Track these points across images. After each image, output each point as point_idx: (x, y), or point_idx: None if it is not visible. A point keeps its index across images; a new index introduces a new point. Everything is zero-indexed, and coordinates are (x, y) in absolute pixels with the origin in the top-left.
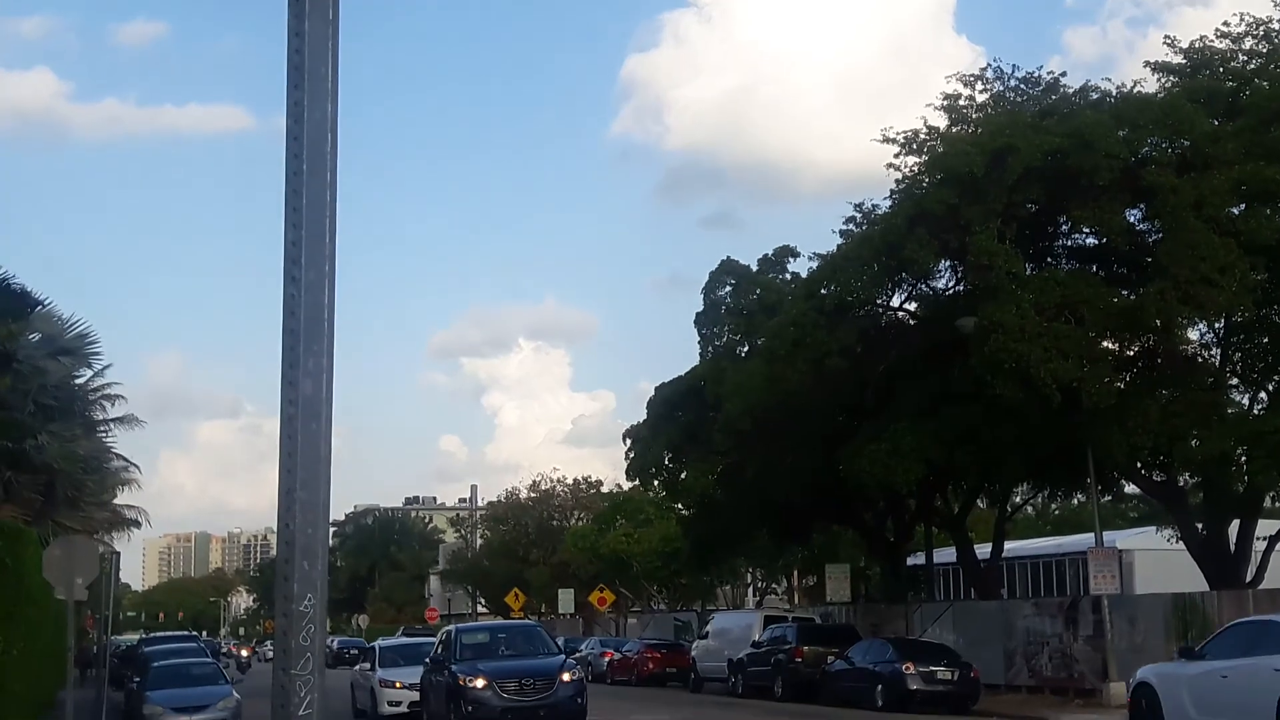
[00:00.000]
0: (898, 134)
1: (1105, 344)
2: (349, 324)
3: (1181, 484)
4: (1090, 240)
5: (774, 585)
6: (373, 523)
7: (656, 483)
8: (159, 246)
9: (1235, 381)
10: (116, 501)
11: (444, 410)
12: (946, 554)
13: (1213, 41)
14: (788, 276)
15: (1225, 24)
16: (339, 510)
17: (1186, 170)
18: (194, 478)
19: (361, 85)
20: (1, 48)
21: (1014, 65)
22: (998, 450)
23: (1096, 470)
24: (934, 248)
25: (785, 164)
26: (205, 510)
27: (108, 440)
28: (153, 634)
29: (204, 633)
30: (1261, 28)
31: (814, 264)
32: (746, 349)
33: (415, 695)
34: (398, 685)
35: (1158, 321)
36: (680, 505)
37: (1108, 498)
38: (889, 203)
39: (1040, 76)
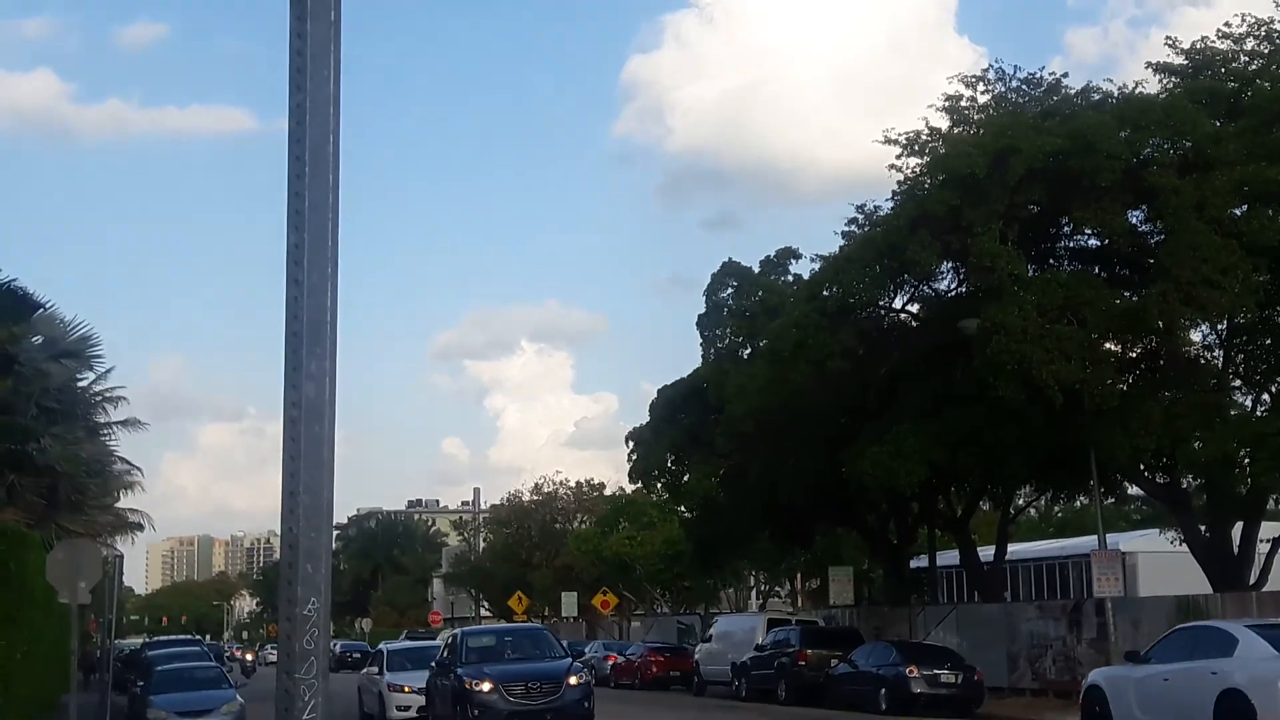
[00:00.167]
0: (899, 135)
1: (1107, 345)
2: (350, 326)
3: (1184, 486)
4: (1092, 241)
5: (777, 588)
6: (375, 526)
7: (659, 485)
8: (161, 249)
9: (1238, 383)
10: (119, 505)
11: (446, 413)
12: (949, 556)
13: (1214, 42)
14: (790, 278)
15: (1227, 24)
16: (341, 513)
17: (1188, 171)
18: (197, 481)
19: (363, 87)
20: (3, 49)
21: (1015, 66)
22: (1000, 452)
23: (1099, 472)
24: (936, 249)
25: (787, 165)
26: (208, 513)
27: (110, 443)
28: (156, 638)
29: (207, 636)
30: (1263, 28)
31: (816, 265)
32: (749, 351)
33: (424, 700)
34: (406, 689)
35: (1160, 323)
36: (683, 508)
37: (1111, 500)
38: (891, 204)
39: (1042, 77)
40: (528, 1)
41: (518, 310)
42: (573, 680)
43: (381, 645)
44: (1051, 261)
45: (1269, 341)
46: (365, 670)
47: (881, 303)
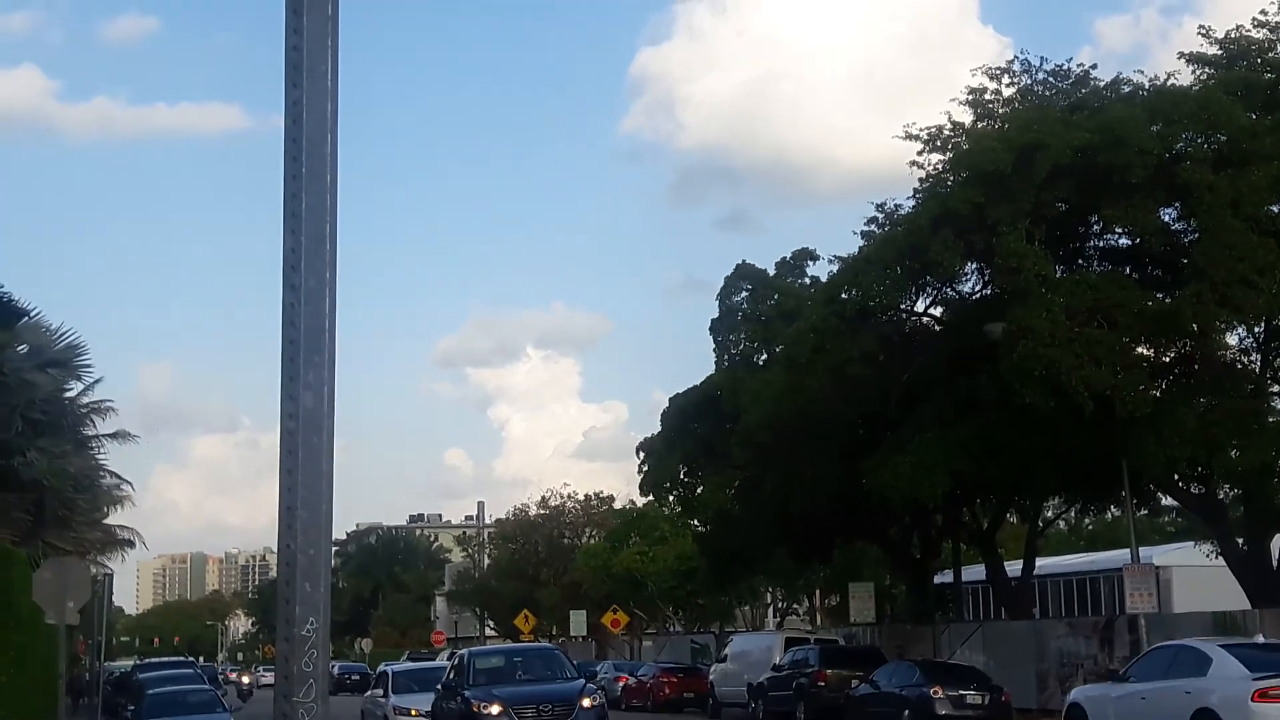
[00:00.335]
0: (921, 130)
1: (1140, 350)
2: (348, 332)
3: (1221, 496)
4: (1123, 241)
5: (795, 605)
6: (376, 542)
7: (671, 498)
8: (151, 253)
9: (1276, 389)
10: (109, 521)
11: (449, 423)
12: (975, 571)
13: (1250, 31)
14: (806, 281)
15: (1263, 12)
16: (340, 529)
17: (1223, 166)
18: (189, 495)
19: (362, 83)
20: None
21: (1042, 58)
22: (1028, 462)
23: (1131, 483)
24: (959, 249)
25: (803, 162)
26: (201, 530)
27: (99, 456)
28: (147, 660)
29: (200, 658)
30: None
31: (834, 267)
32: (764, 357)
33: None
34: (413, 712)
35: (1194, 326)
36: (696, 521)
37: (1144, 511)
38: (912, 202)
39: (1069, 69)
40: None
41: (522, 315)
42: (586, 702)
43: (386, 667)
44: (1080, 262)
45: None
46: (369, 693)
47: (902, 306)
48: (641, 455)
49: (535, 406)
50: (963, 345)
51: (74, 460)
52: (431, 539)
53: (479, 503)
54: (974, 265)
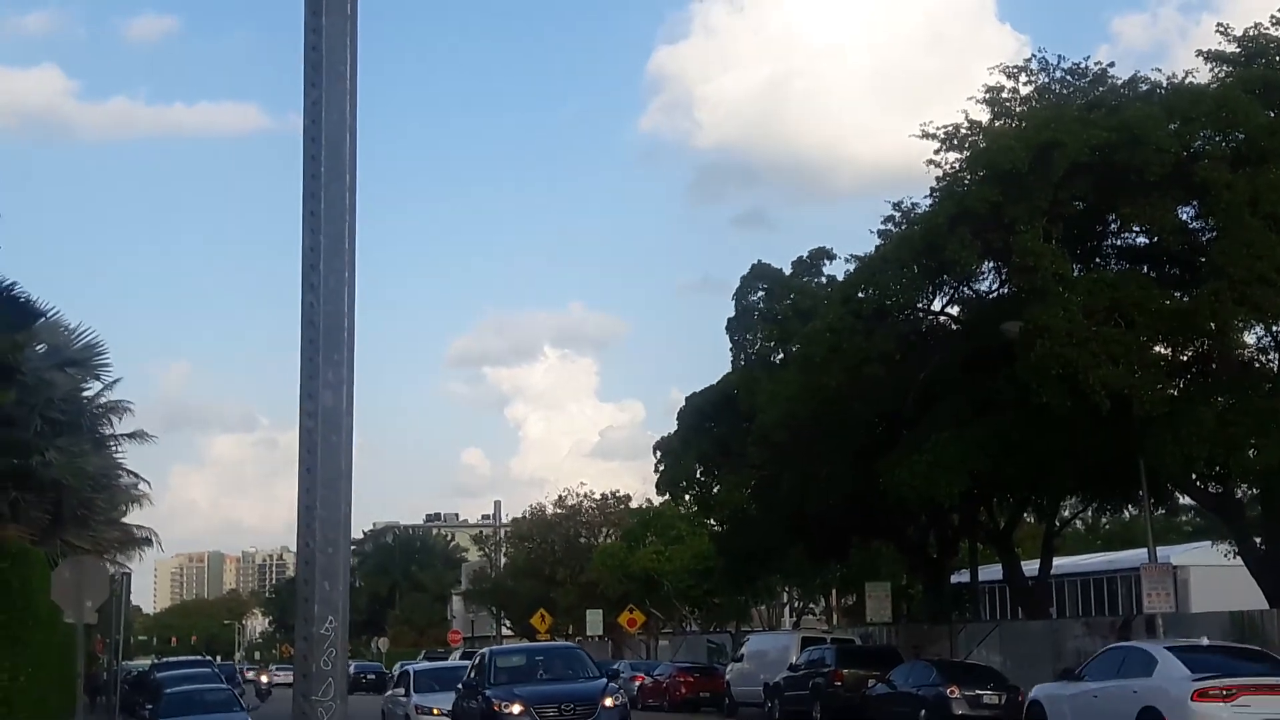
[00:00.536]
0: (938, 129)
1: (1157, 348)
2: (364, 331)
3: (1239, 496)
4: (1141, 239)
5: (811, 605)
6: (393, 541)
7: (688, 497)
8: (170, 252)
9: None
10: (126, 520)
11: (465, 422)
12: (992, 571)
13: (1269, 28)
14: (823, 280)
15: None
16: (357, 528)
17: (1241, 165)
18: (206, 494)
19: (380, 83)
20: (5, 44)
21: (1059, 55)
22: (1045, 461)
23: (1149, 482)
24: (976, 248)
25: (821, 161)
26: (218, 529)
27: (117, 455)
28: (165, 659)
29: (218, 657)
30: None
31: (851, 266)
32: (781, 356)
33: None
34: (436, 711)
35: (1212, 324)
36: (713, 521)
37: (1161, 511)
38: (929, 201)
39: (1087, 67)
40: None
41: (539, 315)
42: (608, 702)
43: (407, 666)
44: (1098, 260)
45: None
46: (390, 692)
47: (919, 305)
48: (658, 455)
49: (552, 406)
50: (980, 344)
51: (92, 459)
52: (448, 538)
53: (496, 502)
54: (991, 264)
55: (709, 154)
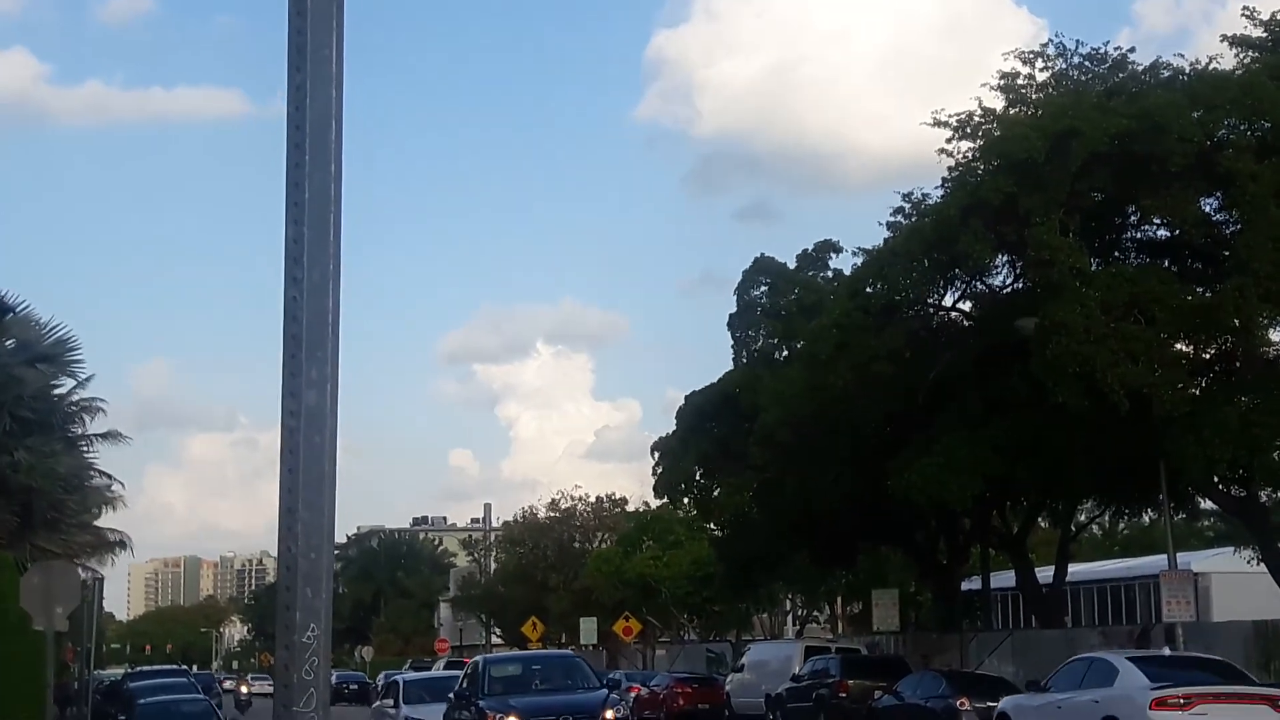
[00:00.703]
0: (950, 117)
1: (1179, 346)
2: (351, 328)
3: (1263, 500)
4: (1162, 232)
5: (815, 613)
6: (378, 546)
7: (687, 500)
8: (146, 244)
9: None
10: (99, 523)
11: (455, 422)
12: (1005, 578)
13: None
14: (829, 274)
15: None
16: (340, 532)
17: (1267, 155)
18: (183, 497)
19: (367, 67)
20: None
21: (1078, 41)
22: (1061, 463)
23: (1169, 485)
24: (990, 241)
25: (827, 150)
26: (195, 533)
27: (90, 456)
28: (139, 668)
29: (194, 666)
30: None
31: (858, 260)
32: (784, 354)
33: None
34: None
35: (1236, 321)
36: (713, 525)
37: (1182, 515)
38: (940, 192)
39: (1106, 53)
40: None
41: (532, 310)
42: (609, 714)
43: (396, 676)
44: (1117, 254)
45: None
46: (378, 703)
47: (930, 300)
48: (656, 456)
49: (545, 405)
50: (993, 341)
51: (64, 460)
52: (436, 543)
53: (486, 505)
54: (1005, 258)
55: (710, 143)
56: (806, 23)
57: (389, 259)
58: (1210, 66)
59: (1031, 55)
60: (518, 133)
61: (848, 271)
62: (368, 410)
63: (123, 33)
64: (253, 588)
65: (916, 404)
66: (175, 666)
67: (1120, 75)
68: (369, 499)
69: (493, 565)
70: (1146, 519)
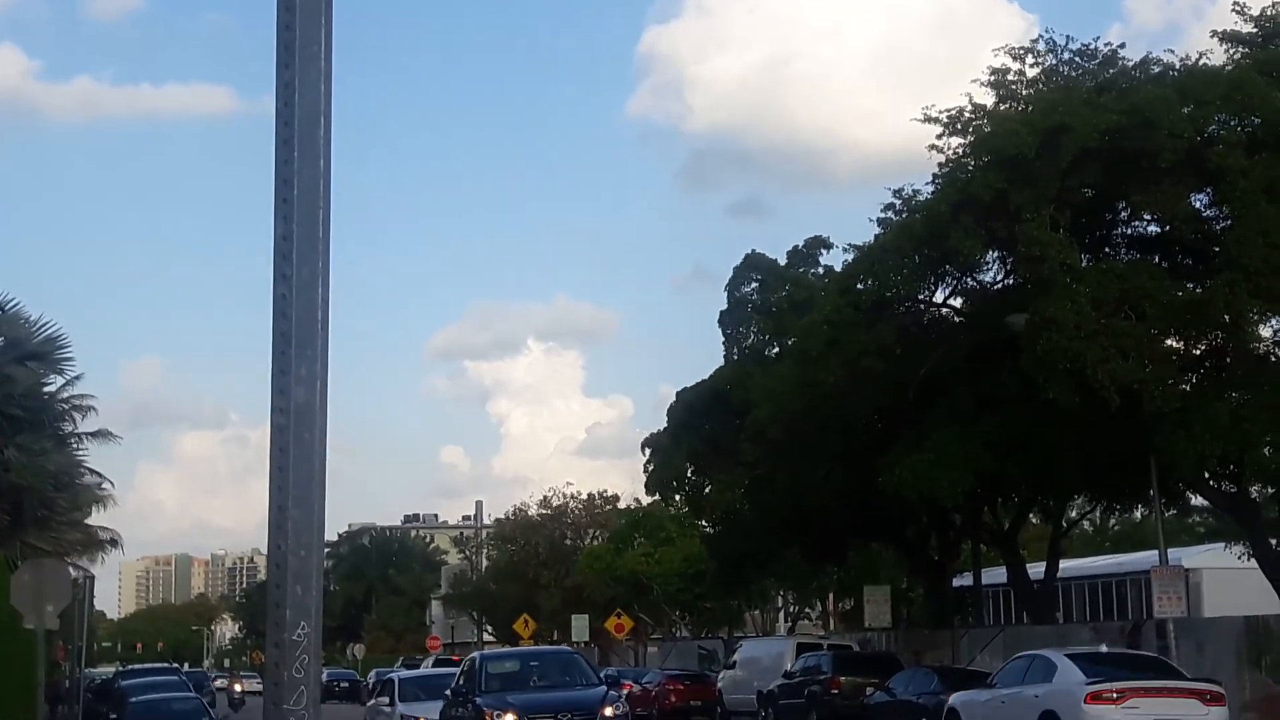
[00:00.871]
0: (940, 113)
1: (1169, 342)
2: (340, 325)
3: (1254, 496)
4: (1152, 228)
5: (807, 609)
6: (369, 543)
7: (678, 497)
8: (137, 241)
9: None
10: (90, 521)
11: (445, 419)
12: (996, 574)
13: None
14: (820, 270)
15: None
16: (331, 530)
17: (1257, 151)
18: (174, 494)
19: (357, 63)
20: None
21: (1068, 36)
22: (1052, 460)
23: (1160, 481)
24: (981, 237)
25: (819, 146)
26: (186, 530)
27: (80, 453)
28: (130, 666)
29: (185, 664)
30: None
31: (849, 256)
32: (776, 350)
33: None
34: None
35: (1227, 317)
36: (704, 522)
37: (1172, 511)
38: (931, 188)
39: (1097, 48)
40: None
41: (523, 306)
42: (608, 711)
43: (392, 673)
44: (1107, 250)
45: None
46: (373, 701)
47: (921, 296)
48: (647, 452)
49: (536, 401)
50: (984, 338)
51: (54, 457)
52: (427, 540)
53: (477, 502)
54: (995, 254)
55: (702, 139)
56: (798, 18)
57: (379, 255)
58: (1200, 62)
59: (1022, 51)
60: (509, 129)
61: (839, 268)
62: (359, 407)
63: (113, 29)
64: (244, 586)
65: (907, 400)
66: (166, 665)
67: (1111, 71)
68: (360, 496)
69: (484, 562)
70: (1137, 515)
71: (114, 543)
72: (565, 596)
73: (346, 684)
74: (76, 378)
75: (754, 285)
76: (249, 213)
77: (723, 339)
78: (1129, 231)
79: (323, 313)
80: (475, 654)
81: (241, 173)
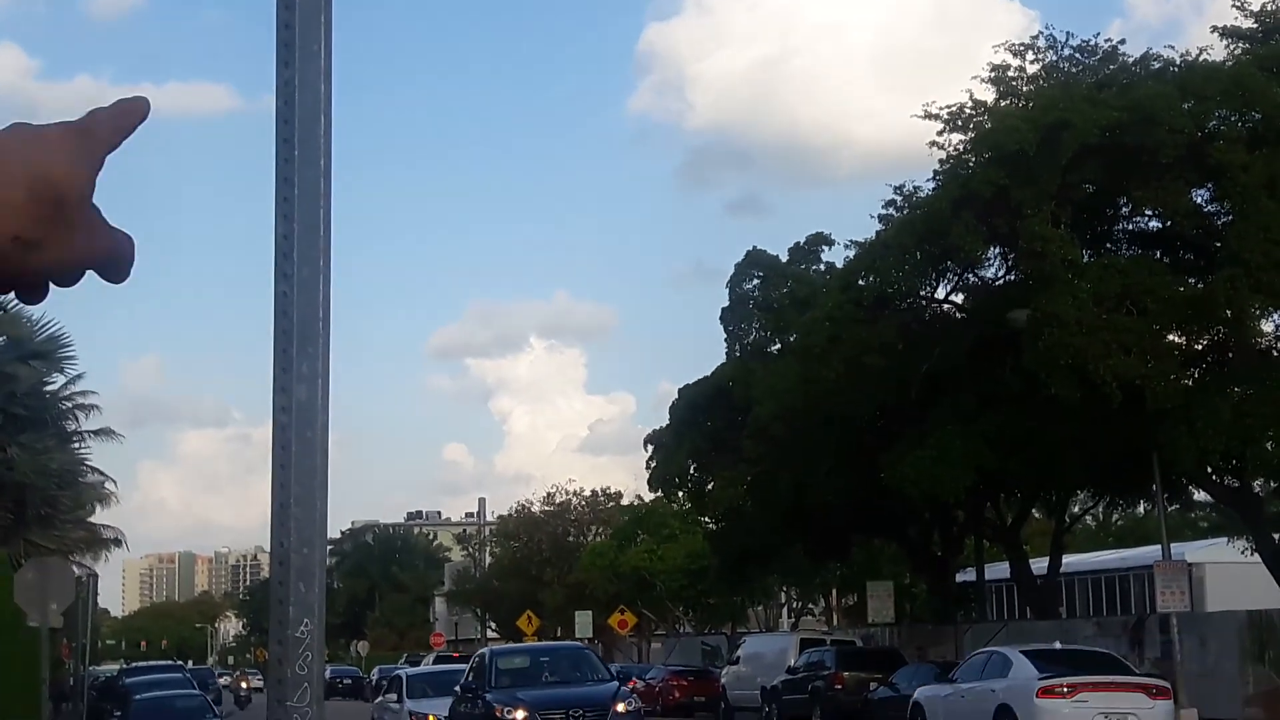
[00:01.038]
0: (941, 109)
1: (1171, 337)
2: (342, 323)
3: (1256, 491)
4: (1153, 223)
5: (810, 605)
6: (372, 541)
7: (681, 494)
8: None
9: None
10: (93, 519)
11: (448, 416)
12: (999, 569)
13: None
14: (821, 267)
15: None
16: (335, 527)
17: (1258, 146)
18: (177, 493)
19: (357, 61)
20: None
21: (1068, 33)
22: (1054, 455)
23: (1163, 476)
24: (982, 233)
25: (819, 143)
26: (189, 528)
27: (82, 452)
28: (134, 664)
29: (189, 661)
30: None
31: (850, 253)
32: (777, 347)
33: None
34: (431, 718)
35: (1228, 312)
36: (707, 518)
37: (1175, 506)
38: (932, 184)
39: (1097, 44)
40: None
41: (525, 304)
42: (620, 708)
43: (399, 670)
44: (1109, 246)
45: None
46: (380, 698)
47: (922, 293)
48: (649, 449)
49: (539, 399)
50: (985, 334)
51: (57, 456)
52: (430, 537)
53: (480, 499)
54: (997, 250)
55: (702, 136)
56: (798, 16)
57: (380, 254)
58: (1201, 58)
59: (1022, 47)
60: (510, 126)
61: (840, 264)
62: (361, 405)
63: (112, 27)
64: (247, 583)
65: (909, 397)
66: (171, 662)
67: (1111, 67)
68: (363, 494)
69: (487, 559)
70: (1140, 510)
71: (117, 541)
72: (568, 593)
73: (350, 680)
74: (78, 376)
75: (755, 282)
76: (250, 211)
77: (724, 336)
78: (1130, 227)
79: (324, 311)
80: (485, 649)
81: (242, 170)
